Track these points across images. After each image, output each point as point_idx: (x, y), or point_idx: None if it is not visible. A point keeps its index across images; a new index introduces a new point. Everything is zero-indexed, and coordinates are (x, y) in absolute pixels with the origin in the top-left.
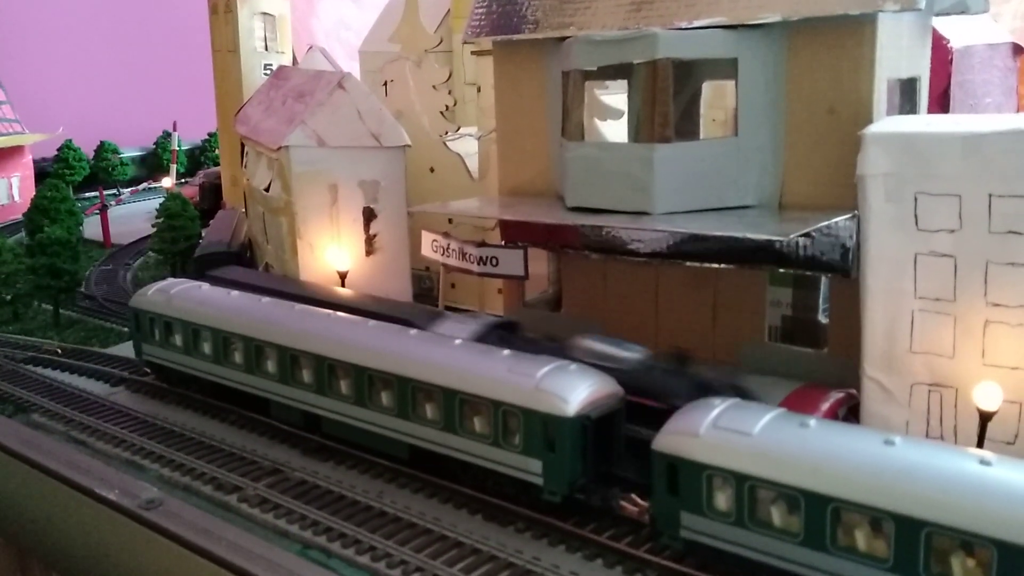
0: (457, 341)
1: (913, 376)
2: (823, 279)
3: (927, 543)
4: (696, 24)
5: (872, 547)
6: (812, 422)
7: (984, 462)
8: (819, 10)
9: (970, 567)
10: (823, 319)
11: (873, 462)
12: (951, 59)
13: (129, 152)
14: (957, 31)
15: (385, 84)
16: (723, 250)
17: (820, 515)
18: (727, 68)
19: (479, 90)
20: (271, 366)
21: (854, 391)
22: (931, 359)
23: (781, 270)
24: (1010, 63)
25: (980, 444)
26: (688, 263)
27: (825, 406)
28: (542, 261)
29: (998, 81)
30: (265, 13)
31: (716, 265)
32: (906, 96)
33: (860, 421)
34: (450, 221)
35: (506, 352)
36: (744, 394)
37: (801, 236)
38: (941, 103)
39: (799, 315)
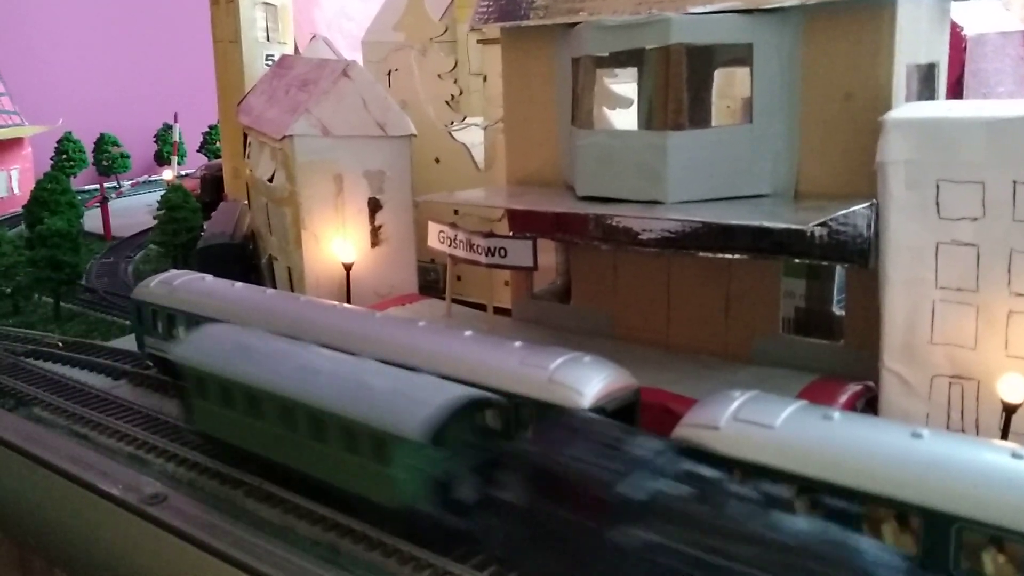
0: (467, 333)
1: (934, 368)
2: (838, 269)
3: (957, 538)
4: (710, 9)
5: (900, 542)
6: (836, 415)
7: (1016, 455)
8: None
9: (1001, 563)
10: (838, 310)
11: (900, 455)
12: (965, 47)
13: None
14: (970, 18)
15: (389, 74)
16: (737, 240)
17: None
18: (742, 54)
19: (485, 79)
20: None
21: (872, 383)
22: (952, 350)
23: (796, 260)
24: (1022, 51)
25: (1004, 437)
26: (701, 253)
27: (843, 399)
28: (550, 252)
29: (1010, 70)
30: (267, 3)
31: (729, 255)
32: (925, 82)
33: (878, 414)
34: (456, 212)
35: (518, 343)
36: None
37: (819, 225)
38: (955, 91)
39: (813, 306)
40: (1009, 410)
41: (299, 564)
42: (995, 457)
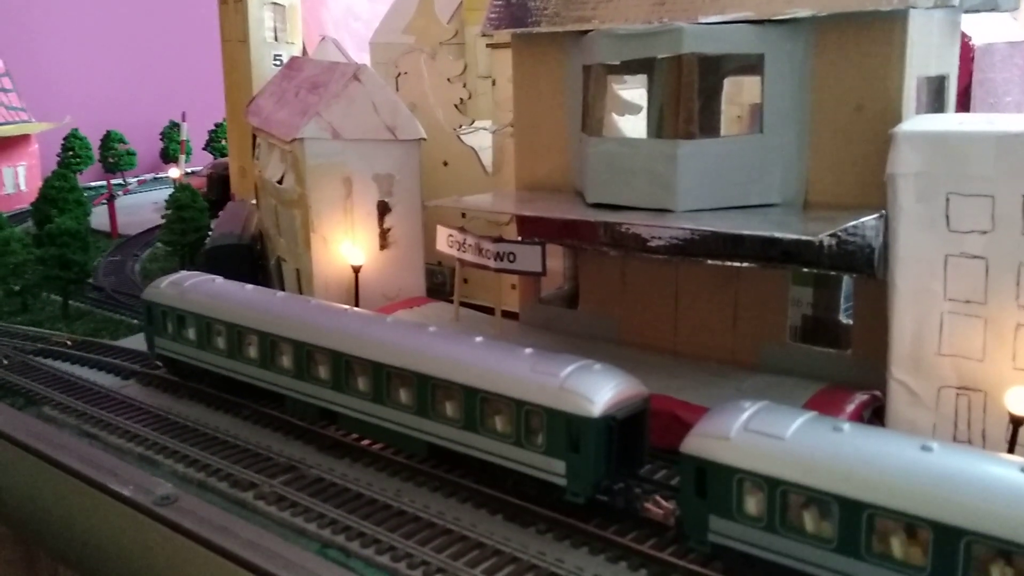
0: (478, 339)
1: (941, 379)
2: (845, 278)
3: (966, 552)
4: (722, 19)
5: (908, 555)
6: (846, 426)
7: None
8: (849, 6)
9: None
10: (844, 319)
11: (910, 468)
12: (973, 56)
13: None
14: (978, 28)
15: (398, 77)
16: (746, 249)
17: (855, 521)
18: (753, 64)
19: (494, 83)
20: (286, 361)
21: (879, 393)
22: (960, 362)
23: (804, 269)
24: None
25: (1011, 449)
26: (709, 261)
27: (850, 408)
28: (557, 257)
29: (1018, 79)
30: (275, 3)
31: (738, 264)
32: (935, 94)
33: (885, 424)
34: (463, 215)
35: (529, 351)
36: None
37: (829, 236)
38: (962, 101)
39: (820, 315)
40: (1016, 422)
41: (309, 566)
42: (1004, 471)
